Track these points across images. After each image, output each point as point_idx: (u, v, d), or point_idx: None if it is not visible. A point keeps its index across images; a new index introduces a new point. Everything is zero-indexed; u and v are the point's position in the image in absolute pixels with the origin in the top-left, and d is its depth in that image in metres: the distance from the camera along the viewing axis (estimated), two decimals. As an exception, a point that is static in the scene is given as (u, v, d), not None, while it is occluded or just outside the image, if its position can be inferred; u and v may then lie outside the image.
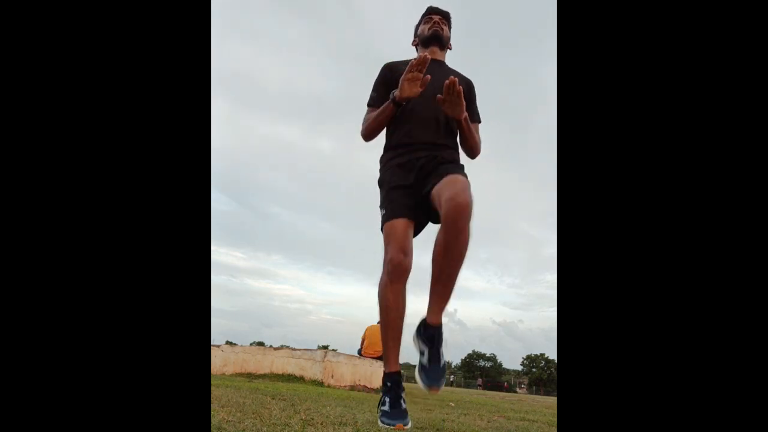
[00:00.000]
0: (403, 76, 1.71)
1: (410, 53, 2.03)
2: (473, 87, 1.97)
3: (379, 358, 7.42)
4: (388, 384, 1.65)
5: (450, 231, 1.49)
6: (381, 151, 1.92)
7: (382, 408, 1.63)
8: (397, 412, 1.58)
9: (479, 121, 1.95)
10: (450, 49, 2.05)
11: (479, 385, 53.62)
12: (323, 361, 7.78)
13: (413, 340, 1.64)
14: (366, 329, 7.43)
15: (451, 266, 1.52)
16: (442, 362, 1.56)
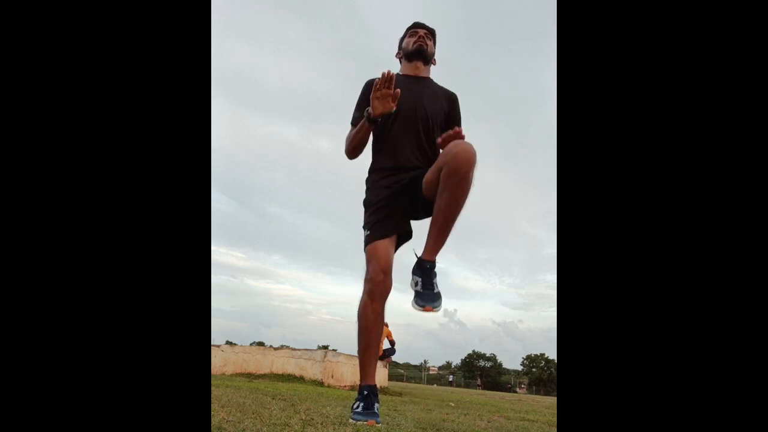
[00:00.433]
0: (371, 94, 1.72)
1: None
2: (457, 101, 1.96)
3: (379, 358, 7.43)
4: (365, 392, 1.70)
5: (452, 177, 1.49)
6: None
7: (355, 410, 1.69)
8: (369, 413, 1.65)
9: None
10: (434, 64, 2.03)
11: (479, 386, 53.65)
12: (323, 361, 7.78)
13: (411, 276, 1.69)
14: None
15: (449, 211, 1.55)
16: (436, 289, 1.62)
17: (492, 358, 68.42)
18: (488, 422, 2.44)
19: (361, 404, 1.68)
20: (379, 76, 1.84)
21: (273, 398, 2.71)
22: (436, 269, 1.66)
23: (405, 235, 1.82)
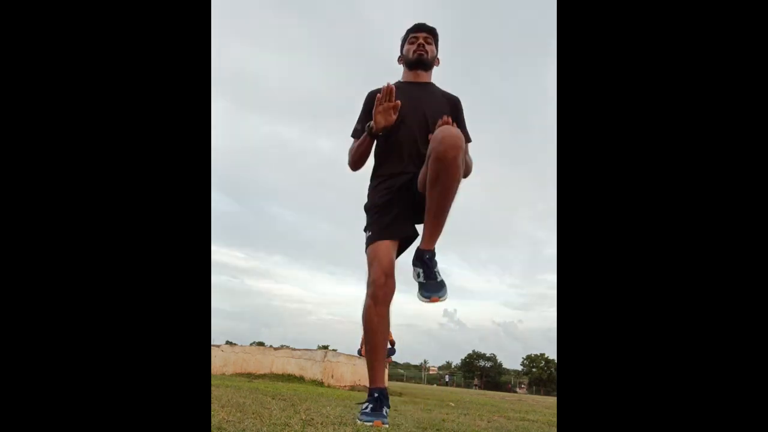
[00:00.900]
0: (374, 109, 1.73)
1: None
2: (460, 105, 1.95)
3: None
4: (375, 395, 1.70)
5: (439, 162, 1.50)
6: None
7: (363, 410, 1.69)
8: (377, 414, 1.64)
9: (469, 141, 1.94)
10: (437, 65, 2.01)
11: (476, 385, 53.62)
12: (323, 361, 7.78)
13: (413, 268, 1.70)
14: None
15: (441, 198, 1.56)
16: (438, 278, 1.62)
17: (492, 358, 68.42)
18: (488, 422, 2.44)
19: (370, 406, 1.68)
20: (382, 83, 1.84)
21: (273, 398, 2.71)
22: (436, 259, 1.66)
23: (408, 239, 1.82)
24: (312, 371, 7.82)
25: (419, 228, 1.79)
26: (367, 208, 1.86)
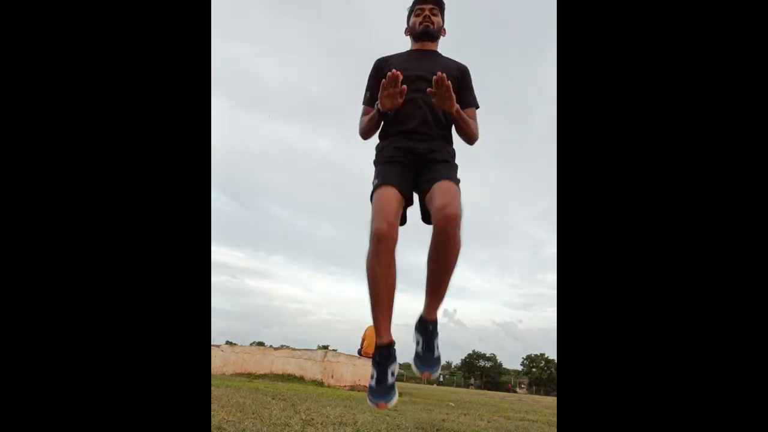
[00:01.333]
0: (379, 93, 1.73)
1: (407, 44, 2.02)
2: (468, 73, 1.93)
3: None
4: (377, 358, 1.66)
5: (440, 239, 1.58)
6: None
7: (370, 383, 1.65)
8: (381, 389, 1.60)
9: (476, 107, 1.94)
10: (444, 35, 2.00)
11: (471, 385, 53.64)
12: (323, 361, 7.78)
13: (414, 333, 1.70)
14: (366, 329, 7.42)
15: (442, 270, 1.62)
16: (436, 353, 1.64)
17: (492, 358, 68.40)
18: (488, 422, 2.44)
19: (375, 374, 1.63)
20: (384, 60, 1.87)
21: (273, 398, 2.71)
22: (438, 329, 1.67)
23: (408, 200, 1.77)
24: (312, 371, 7.82)
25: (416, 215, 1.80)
26: (375, 163, 1.85)
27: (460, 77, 1.88)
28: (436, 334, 1.68)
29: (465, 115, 1.85)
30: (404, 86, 1.71)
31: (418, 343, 1.67)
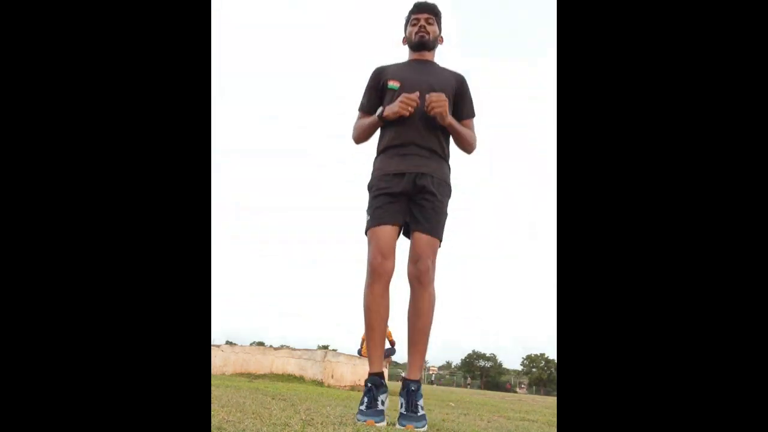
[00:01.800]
0: (392, 110, 1.77)
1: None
2: (465, 82, 1.95)
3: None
4: (368, 385, 1.74)
5: (414, 290, 1.75)
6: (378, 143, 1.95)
7: (360, 407, 1.72)
8: (372, 412, 1.68)
9: (473, 116, 1.96)
10: (441, 43, 2.01)
11: (468, 384, 53.75)
12: (323, 361, 7.78)
13: (399, 398, 1.80)
14: (366, 329, 7.40)
15: (420, 323, 1.74)
16: (420, 413, 1.69)
17: (492, 358, 68.40)
18: (488, 422, 2.44)
19: (366, 400, 1.71)
20: (384, 69, 1.94)
21: (273, 398, 2.71)
22: (420, 390, 1.75)
23: (406, 225, 1.84)
24: (312, 371, 7.82)
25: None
26: (369, 187, 1.87)
27: (459, 87, 1.90)
28: (420, 394, 1.73)
29: (460, 127, 1.87)
30: (417, 98, 1.74)
31: (401, 405, 1.72)
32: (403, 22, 2.03)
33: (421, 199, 1.77)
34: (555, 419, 3.01)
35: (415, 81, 1.83)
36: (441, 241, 1.79)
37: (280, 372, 7.99)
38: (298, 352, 8.19)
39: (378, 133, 1.94)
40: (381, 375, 1.78)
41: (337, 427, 1.51)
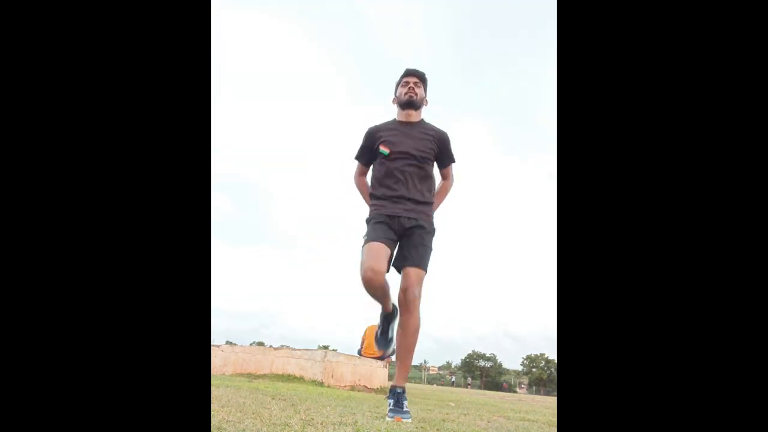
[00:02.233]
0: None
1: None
2: (446, 139, 2.29)
3: (379, 358, 7.42)
4: (383, 317, 2.26)
5: (402, 314, 2.09)
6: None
7: (376, 332, 2.30)
8: (384, 340, 2.25)
9: (452, 162, 2.35)
10: (426, 105, 2.34)
11: (468, 384, 53.94)
12: (323, 361, 7.78)
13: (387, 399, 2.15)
14: (366, 329, 7.43)
15: (406, 341, 2.10)
16: (405, 409, 2.03)
17: (492, 358, 68.39)
18: (488, 422, 2.44)
19: (381, 327, 2.27)
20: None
21: (273, 398, 2.71)
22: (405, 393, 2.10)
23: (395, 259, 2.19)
24: (312, 371, 7.82)
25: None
26: (367, 221, 2.23)
27: (440, 145, 2.28)
28: (405, 397, 2.08)
29: (438, 204, 2.32)
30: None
31: (390, 404, 2.06)
32: (394, 86, 2.36)
33: (410, 233, 2.13)
34: (555, 419, 3.00)
35: (402, 147, 2.19)
36: (426, 271, 2.12)
37: (280, 372, 7.99)
38: (298, 352, 8.20)
39: (372, 175, 2.34)
40: (394, 309, 2.21)
41: (337, 427, 1.51)
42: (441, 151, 2.28)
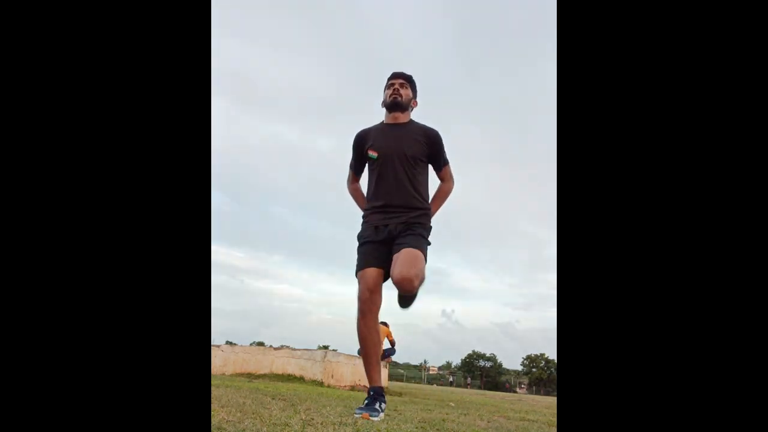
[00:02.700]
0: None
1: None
2: (437, 138, 2.22)
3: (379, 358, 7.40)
4: (371, 392, 2.03)
5: (406, 285, 1.95)
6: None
7: (360, 406, 1.97)
8: (369, 408, 1.93)
9: (447, 164, 2.28)
10: (415, 105, 2.29)
11: (468, 384, 53.99)
12: (323, 361, 7.78)
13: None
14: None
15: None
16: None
17: (492, 358, 68.40)
18: (488, 422, 2.44)
19: (366, 402, 2.00)
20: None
21: (273, 398, 2.71)
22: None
23: (386, 270, 2.14)
24: (312, 371, 7.82)
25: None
26: (358, 237, 2.21)
27: (431, 145, 2.21)
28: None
29: (437, 207, 2.28)
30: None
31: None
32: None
33: (402, 234, 2.09)
34: (555, 419, 3.00)
35: (391, 150, 2.15)
36: (421, 251, 2.02)
37: (280, 372, 7.99)
38: (298, 352, 8.19)
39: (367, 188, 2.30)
40: (382, 389, 2.05)
41: (337, 427, 1.51)
42: (433, 151, 2.21)
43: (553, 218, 0.84)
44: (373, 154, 2.17)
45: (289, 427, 1.43)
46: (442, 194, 2.31)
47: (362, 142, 2.24)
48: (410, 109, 2.27)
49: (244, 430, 1.29)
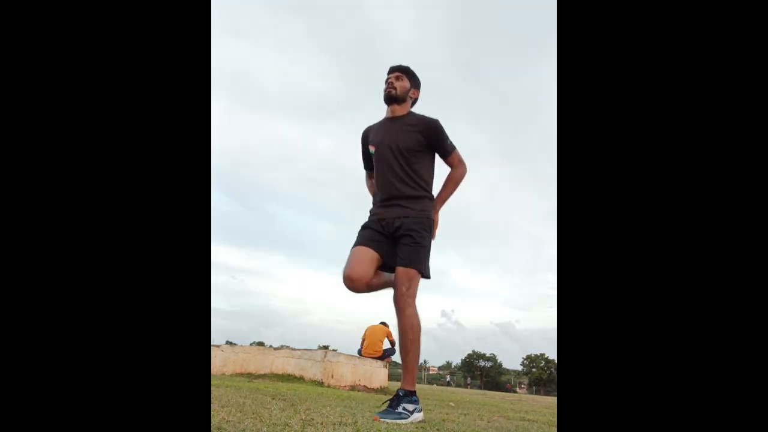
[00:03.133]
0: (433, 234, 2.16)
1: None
2: (437, 127, 2.18)
3: (379, 358, 7.42)
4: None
5: (396, 312, 2.05)
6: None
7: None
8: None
9: (453, 150, 2.24)
10: (415, 96, 2.26)
11: (468, 384, 54.08)
12: (323, 361, 7.78)
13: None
14: (366, 329, 7.44)
15: (404, 342, 2.05)
16: (398, 410, 1.97)
17: (492, 358, 68.38)
18: (488, 422, 2.44)
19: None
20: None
21: (273, 398, 2.71)
22: (410, 397, 2.00)
23: (383, 258, 2.14)
24: (312, 371, 7.82)
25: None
26: (362, 227, 2.24)
27: (429, 136, 2.17)
28: (407, 400, 1.99)
29: (447, 195, 2.26)
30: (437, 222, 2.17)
31: (385, 402, 2.04)
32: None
33: (401, 238, 2.11)
34: (555, 419, 3.00)
35: (385, 143, 2.17)
36: (422, 273, 2.07)
37: (280, 372, 7.99)
38: (298, 352, 8.20)
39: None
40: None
41: (337, 427, 1.51)
42: (432, 140, 2.16)
43: (553, 218, 0.84)
44: (371, 149, 2.21)
45: (289, 427, 1.43)
46: (453, 180, 2.26)
47: (365, 139, 2.28)
48: (409, 100, 2.24)
49: (244, 430, 1.29)
